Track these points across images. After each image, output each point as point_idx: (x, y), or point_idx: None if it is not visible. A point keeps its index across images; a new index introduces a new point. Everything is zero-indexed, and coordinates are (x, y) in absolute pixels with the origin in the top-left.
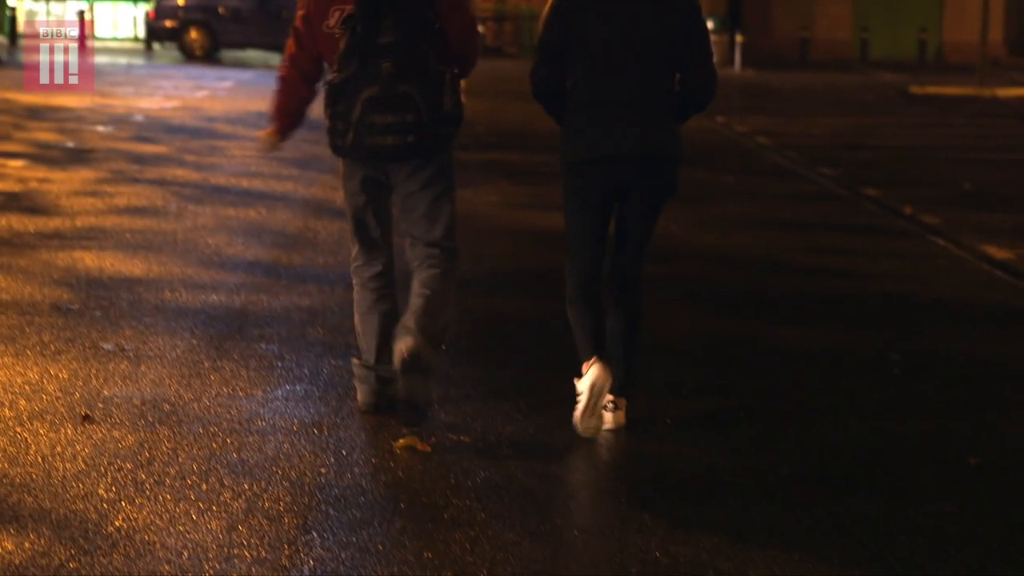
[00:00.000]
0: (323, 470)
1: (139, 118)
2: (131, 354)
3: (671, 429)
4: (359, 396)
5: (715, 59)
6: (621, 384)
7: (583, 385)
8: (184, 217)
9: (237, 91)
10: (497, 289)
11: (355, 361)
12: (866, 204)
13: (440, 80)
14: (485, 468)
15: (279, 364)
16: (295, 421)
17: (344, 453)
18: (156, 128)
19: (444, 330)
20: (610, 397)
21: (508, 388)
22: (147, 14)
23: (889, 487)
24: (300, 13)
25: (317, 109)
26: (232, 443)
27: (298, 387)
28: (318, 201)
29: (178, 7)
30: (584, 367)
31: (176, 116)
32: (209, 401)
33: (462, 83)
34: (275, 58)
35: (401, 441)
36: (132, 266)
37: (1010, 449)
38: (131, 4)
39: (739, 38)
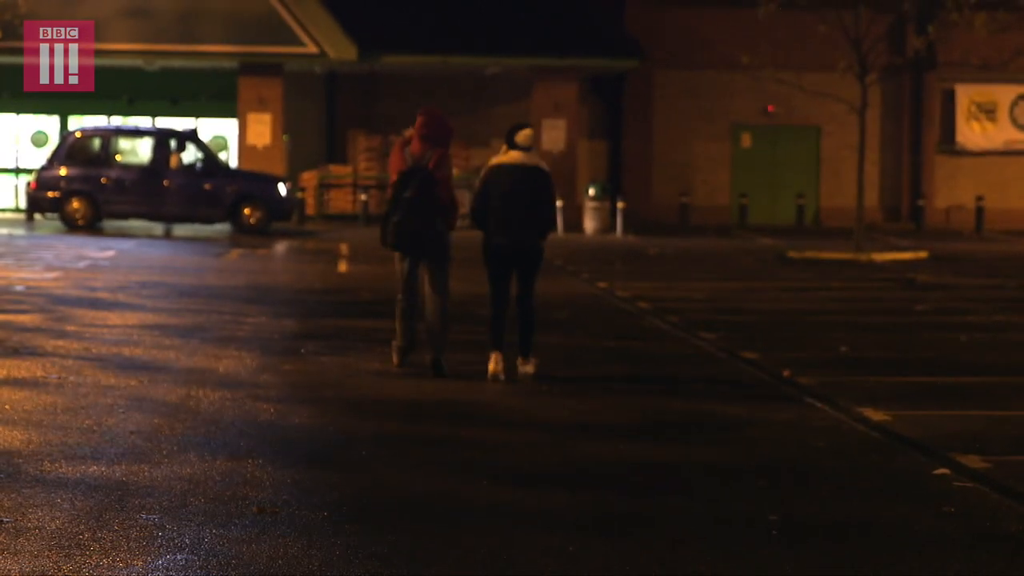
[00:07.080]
0: None
1: (20, 288)
2: (10, 526)
3: None
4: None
5: (593, 223)
6: (526, 351)
7: (491, 364)
8: (64, 387)
9: (119, 261)
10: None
11: (393, 343)
12: (744, 367)
13: (433, 216)
14: None
15: (160, 534)
16: None
17: None
18: (37, 299)
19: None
20: (522, 360)
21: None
22: (28, 184)
23: None
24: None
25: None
26: None
27: (179, 557)
28: (200, 370)
29: (60, 177)
30: (490, 354)
31: (58, 286)
32: (89, 572)
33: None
34: (157, 228)
35: None
36: (11, 438)
37: None
38: (11, 176)
39: (620, 204)
